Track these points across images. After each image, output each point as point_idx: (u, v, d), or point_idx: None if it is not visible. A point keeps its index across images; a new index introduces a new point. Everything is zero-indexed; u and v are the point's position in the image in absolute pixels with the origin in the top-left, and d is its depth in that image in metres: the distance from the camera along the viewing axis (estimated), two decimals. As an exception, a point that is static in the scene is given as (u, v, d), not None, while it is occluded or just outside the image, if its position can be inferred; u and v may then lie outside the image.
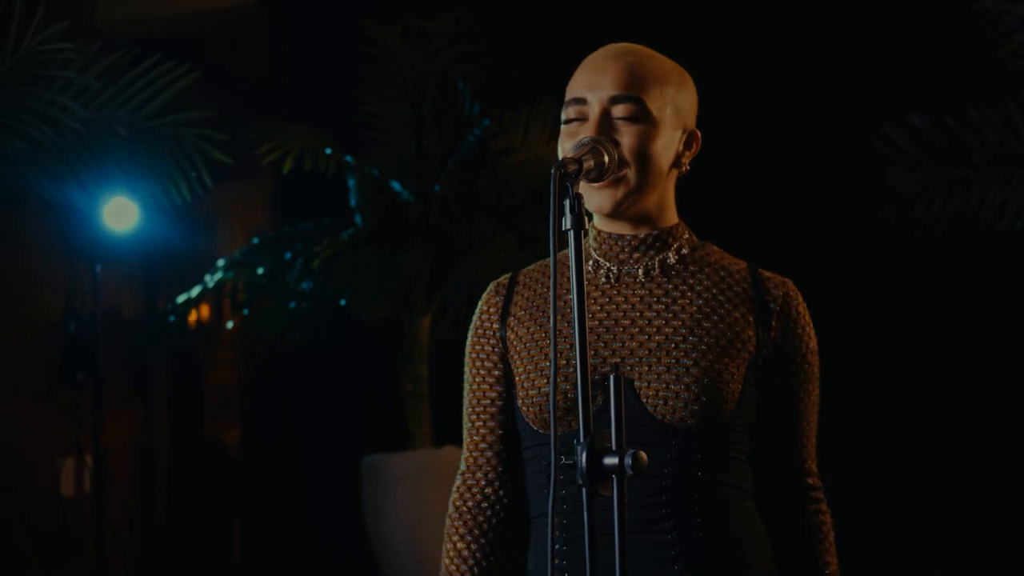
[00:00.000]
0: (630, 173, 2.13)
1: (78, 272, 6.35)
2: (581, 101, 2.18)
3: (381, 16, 6.19)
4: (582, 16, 6.29)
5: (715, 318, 2.15)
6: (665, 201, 2.23)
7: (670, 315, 2.16)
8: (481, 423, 2.32)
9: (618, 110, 2.14)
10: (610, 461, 1.81)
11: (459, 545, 2.30)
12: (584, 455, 1.80)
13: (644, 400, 2.11)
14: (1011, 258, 5.80)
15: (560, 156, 2.17)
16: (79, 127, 3.74)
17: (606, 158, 2.09)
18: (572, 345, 1.87)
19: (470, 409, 2.34)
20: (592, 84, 2.17)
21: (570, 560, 2.12)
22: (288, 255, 6.43)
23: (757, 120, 5.91)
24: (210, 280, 6.46)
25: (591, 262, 2.24)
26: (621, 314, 2.18)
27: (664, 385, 2.10)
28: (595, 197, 2.14)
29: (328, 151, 6.08)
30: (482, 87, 6.27)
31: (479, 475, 2.33)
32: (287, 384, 7.15)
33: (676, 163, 2.21)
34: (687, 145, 2.23)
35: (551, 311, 1.88)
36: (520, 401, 2.23)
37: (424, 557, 6.16)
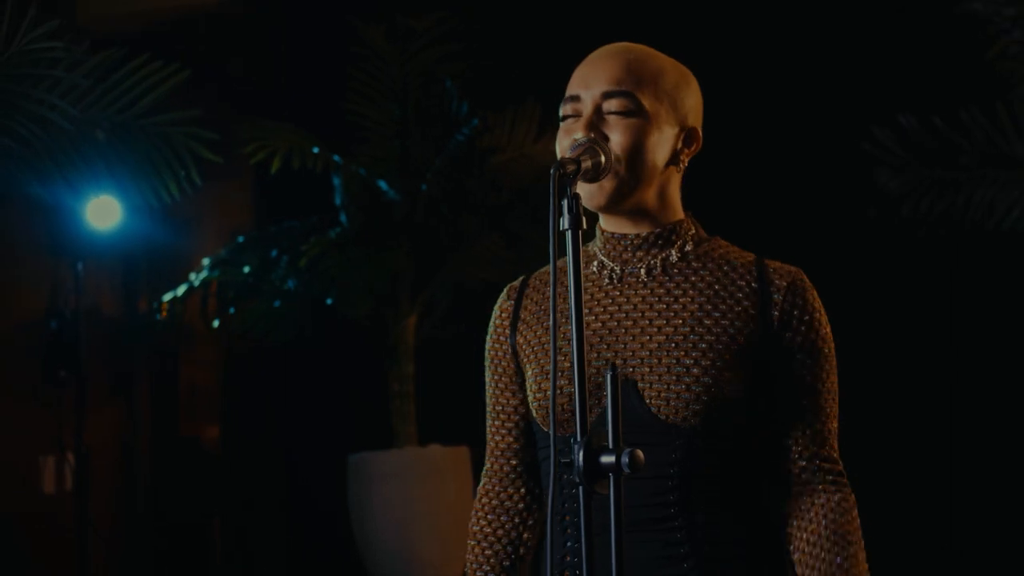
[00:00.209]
0: (620, 167, 2.13)
1: (60, 270, 6.33)
2: (575, 98, 2.19)
3: (368, 15, 6.19)
4: (568, 16, 6.30)
5: (716, 315, 2.14)
6: (667, 197, 2.22)
7: (671, 314, 2.16)
8: (501, 428, 2.34)
9: (610, 105, 2.15)
10: (607, 460, 1.81)
11: (482, 547, 2.33)
12: (581, 454, 1.80)
13: (647, 401, 2.10)
14: (1000, 258, 5.82)
15: (558, 152, 2.18)
16: (68, 126, 3.73)
17: (603, 158, 2.09)
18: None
19: (490, 414, 2.36)
20: (586, 81, 2.18)
21: (578, 558, 2.13)
22: (274, 253, 6.43)
23: (746, 120, 5.91)
24: (196, 278, 6.45)
25: (596, 263, 2.25)
26: (623, 315, 2.18)
27: (666, 386, 2.10)
28: (588, 192, 2.14)
29: (315, 150, 6.07)
30: (470, 86, 6.28)
31: (500, 479, 2.35)
32: (272, 382, 7.14)
33: (674, 160, 2.20)
34: (686, 143, 2.22)
35: (551, 312, 1.88)
36: (530, 403, 2.25)
37: (410, 555, 6.16)
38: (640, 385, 2.12)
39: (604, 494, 1.82)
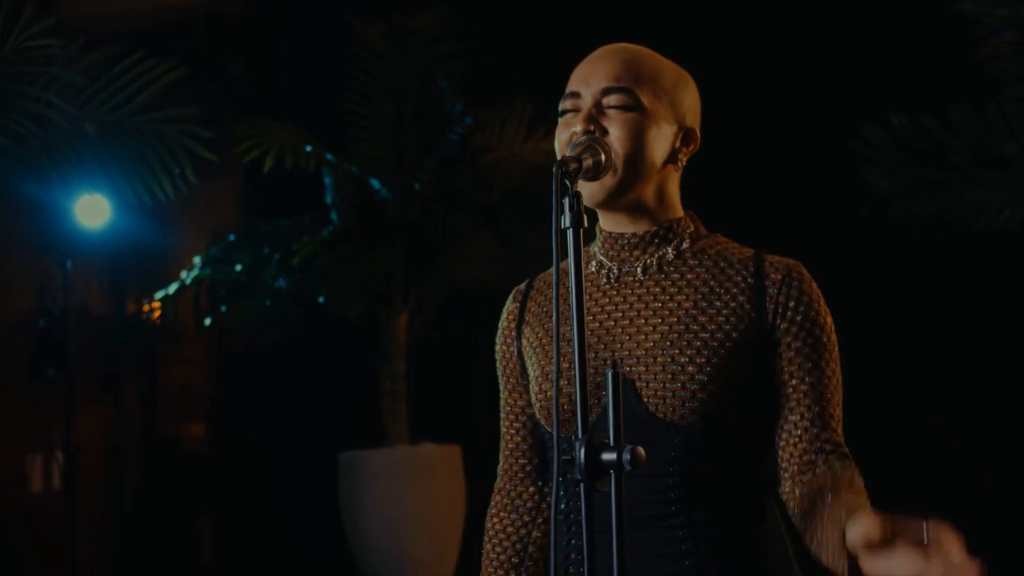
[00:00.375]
0: (618, 161, 2.14)
1: (49, 268, 6.32)
2: (575, 95, 2.20)
3: (365, 14, 6.19)
4: (559, 16, 6.31)
5: (711, 311, 2.14)
6: (666, 195, 2.23)
7: (666, 312, 2.16)
8: (511, 427, 2.37)
9: (610, 100, 2.16)
10: (608, 457, 1.82)
11: (493, 543, 2.35)
12: (582, 451, 1.81)
13: (645, 400, 2.11)
14: (992, 257, 5.84)
15: (556, 147, 2.20)
16: (64, 123, 3.73)
17: (603, 156, 2.10)
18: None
19: (503, 416, 2.38)
20: (586, 78, 2.20)
21: (579, 555, 2.13)
22: (266, 250, 6.42)
23: (738, 120, 5.92)
24: (187, 276, 6.44)
25: (594, 263, 2.25)
26: (620, 314, 2.19)
27: (662, 384, 2.11)
28: (587, 187, 2.14)
29: (308, 148, 6.07)
30: (463, 85, 6.29)
31: (511, 477, 2.37)
32: (263, 381, 7.14)
33: (672, 159, 2.21)
34: (684, 142, 2.23)
35: (554, 311, 1.88)
36: (534, 406, 2.26)
37: (402, 554, 6.16)
38: (638, 384, 2.12)
39: (605, 491, 1.82)
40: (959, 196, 5.71)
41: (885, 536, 1.78)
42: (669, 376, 2.10)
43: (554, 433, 1.88)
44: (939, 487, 6.00)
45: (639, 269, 2.21)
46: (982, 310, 5.95)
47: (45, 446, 6.26)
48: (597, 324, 2.19)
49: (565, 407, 2.13)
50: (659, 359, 2.12)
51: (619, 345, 2.16)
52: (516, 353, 2.32)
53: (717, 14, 6.18)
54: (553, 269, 1.89)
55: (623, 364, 2.14)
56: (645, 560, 2.07)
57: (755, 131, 6.01)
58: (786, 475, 2.13)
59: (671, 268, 2.20)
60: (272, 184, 6.45)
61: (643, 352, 2.14)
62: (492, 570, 2.34)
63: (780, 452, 2.14)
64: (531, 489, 2.35)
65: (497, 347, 2.37)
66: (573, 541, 2.16)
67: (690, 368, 2.10)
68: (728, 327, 2.13)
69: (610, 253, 2.23)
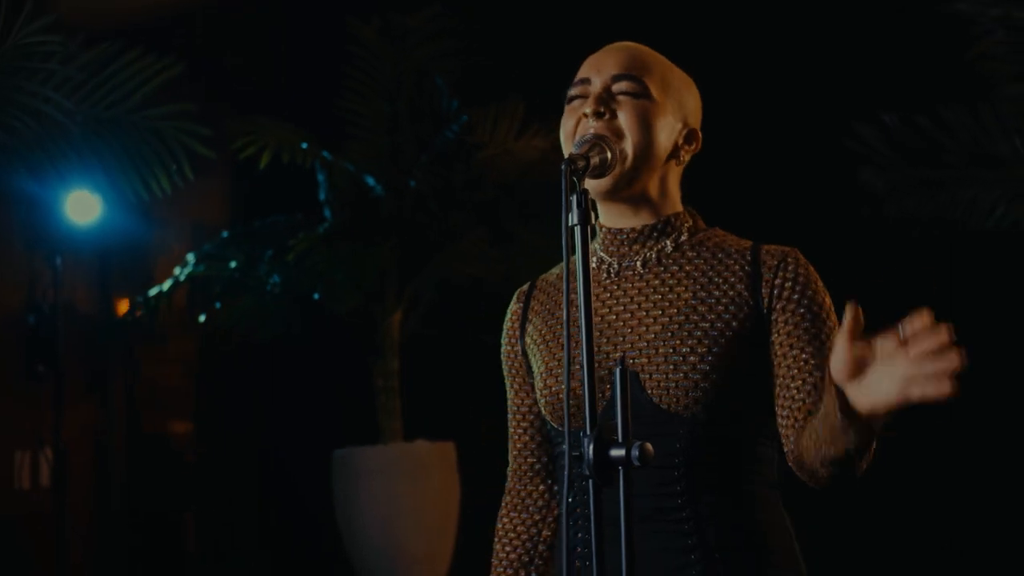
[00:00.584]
0: (627, 146, 2.16)
1: (38, 264, 6.30)
2: (585, 81, 2.23)
3: (362, 12, 6.19)
4: (551, 14, 6.32)
5: (711, 301, 2.16)
6: (667, 190, 2.25)
7: (666, 304, 2.18)
8: (518, 427, 2.37)
9: (620, 86, 2.19)
10: (616, 453, 1.82)
11: (503, 543, 2.35)
12: (591, 447, 1.81)
13: (649, 391, 2.12)
14: (987, 257, 5.85)
15: (562, 135, 2.23)
16: (63, 118, 3.73)
17: (609, 154, 2.12)
18: (578, 342, 1.88)
19: (510, 417, 2.39)
20: (597, 66, 2.24)
21: (590, 549, 2.14)
22: (265, 249, 6.42)
23: (731, 119, 5.93)
24: (181, 273, 6.44)
25: (595, 259, 2.26)
26: (621, 308, 2.20)
27: (665, 375, 2.12)
28: (593, 183, 2.16)
29: (304, 145, 6.07)
30: (459, 83, 6.30)
31: (520, 476, 2.37)
32: (257, 378, 7.13)
33: (675, 154, 2.24)
34: (687, 140, 2.26)
35: (564, 306, 1.89)
36: (539, 402, 2.28)
37: (396, 550, 6.17)
38: (641, 376, 2.13)
39: (614, 487, 1.83)
40: (952, 195, 5.73)
41: (863, 354, 1.72)
42: (672, 367, 2.12)
43: (565, 428, 1.89)
44: (938, 487, 6.02)
45: (638, 263, 2.23)
46: (977, 309, 5.96)
47: (34, 443, 6.24)
48: (599, 319, 2.21)
49: (570, 402, 2.15)
50: (661, 350, 2.13)
51: (621, 338, 2.17)
52: (521, 352, 2.34)
53: (713, 14, 6.19)
54: (563, 265, 1.90)
55: (626, 357, 2.15)
56: (652, 554, 2.08)
57: (749, 130, 6.02)
58: (790, 438, 2.10)
59: (670, 261, 2.22)
60: (260, 181, 6.45)
61: (645, 344, 2.15)
62: (502, 569, 2.34)
63: (781, 420, 2.12)
64: (541, 488, 2.35)
65: (503, 348, 2.39)
66: (580, 535, 2.17)
67: (692, 358, 2.11)
68: (728, 316, 2.15)
69: (610, 248, 2.25)
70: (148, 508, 6.92)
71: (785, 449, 2.13)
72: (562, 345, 2.19)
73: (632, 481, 1.81)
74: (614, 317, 2.20)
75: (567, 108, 2.24)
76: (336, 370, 6.82)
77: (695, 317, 2.15)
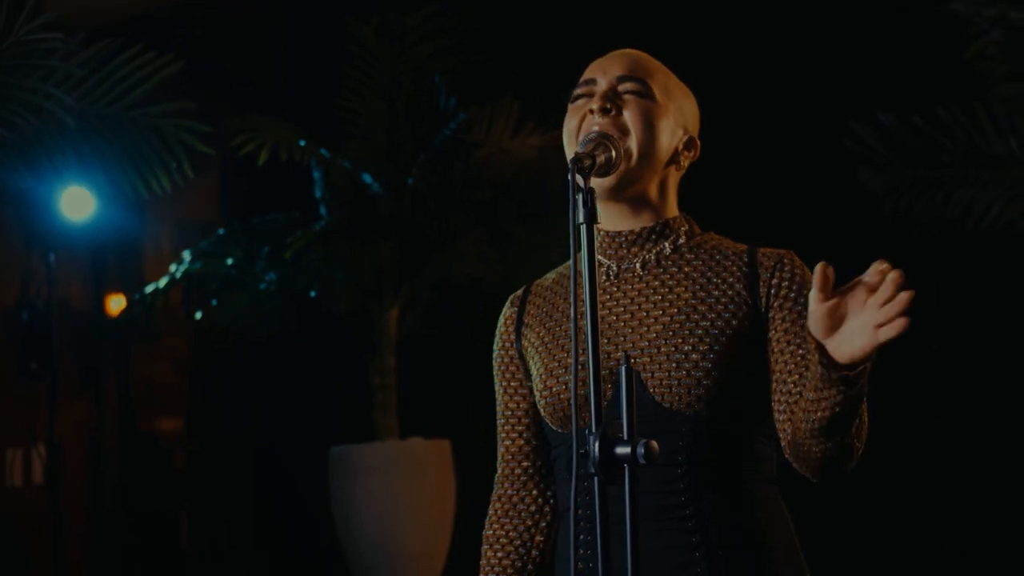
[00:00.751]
0: (631, 143, 2.20)
1: (32, 261, 6.29)
2: (591, 82, 2.28)
3: (360, 10, 6.19)
4: (547, 14, 6.33)
5: (711, 301, 2.19)
6: (666, 193, 2.29)
7: (667, 304, 2.21)
8: (512, 431, 2.37)
9: (625, 86, 2.25)
10: (622, 451, 1.83)
11: (495, 549, 2.34)
12: (596, 445, 1.82)
13: (651, 390, 2.14)
14: (979, 256, 5.86)
15: (565, 134, 2.27)
16: (63, 115, 3.73)
17: (613, 153, 2.15)
18: (582, 342, 1.90)
19: (501, 420, 2.39)
20: (602, 68, 2.29)
21: (592, 550, 2.14)
22: (262, 247, 6.42)
23: (728, 119, 5.93)
24: (177, 270, 6.44)
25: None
26: (621, 309, 2.23)
27: (667, 373, 2.14)
28: (597, 182, 2.17)
29: (302, 143, 6.07)
30: (457, 81, 6.30)
31: (513, 481, 2.37)
32: (253, 375, 7.13)
33: (675, 159, 2.28)
34: (687, 147, 2.30)
35: (571, 304, 1.90)
36: (538, 404, 2.28)
37: (393, 548, 6.17)
38: (643, 375, 2.15)
39: (619, 485, 1.84)
40: (949, 194, 5.75)
41: (837, 308, 1.84)
42: (674, 365, 2.14)
43: (572, 426, 1.90)
44: (938, 485, 6.03)
45: (638, 265, 2.26)
46: (976, 309, 5.97)
47: (28, 440, 6.24)
48: (599, 319, 2.22)
49: (570, 402, 2.16)
50: (663, 349, 2.16)
51: (622, 338, 2.20)
52: (517, 355, 2.35)
53: (710, 14, 6.19)
54: (571, 262, 1.91)
55: (629, 356, 2.16)
56: (656, 552, 2.10)
57: (747, 130, 6.03)
58: (787, 431, 2.12)
59: (669, 263, 2.25)
60: (254, 179, 6.45)
61: (647, 343, 2.17)
62: (495, 575, 2.32)
63: (778, 415, 2.15)
64: (534, 492, 2.35)
65: (495, 353, 2.40)
66: (583, 536, 2.17)
67: (694, 356, 2.14)
68: (727, 315, 2.18)
69: (608, 251, 2.28)
70: (143, 506, 6.91)
71: (782, 443, 2.16)
72: (562, 347, 2.24)
73: (637, 479, 1.82)
74: (614, 318, 2.22)
75: (571, 107, 2.28)
76: (333, 368, 6.83)
77: (696, 316, 2.18)
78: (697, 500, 2.12)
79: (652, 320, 2.19)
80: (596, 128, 2.19)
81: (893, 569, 6.01)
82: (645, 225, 2.26)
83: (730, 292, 2.20)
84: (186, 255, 6.49)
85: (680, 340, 2.15)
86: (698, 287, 2.21)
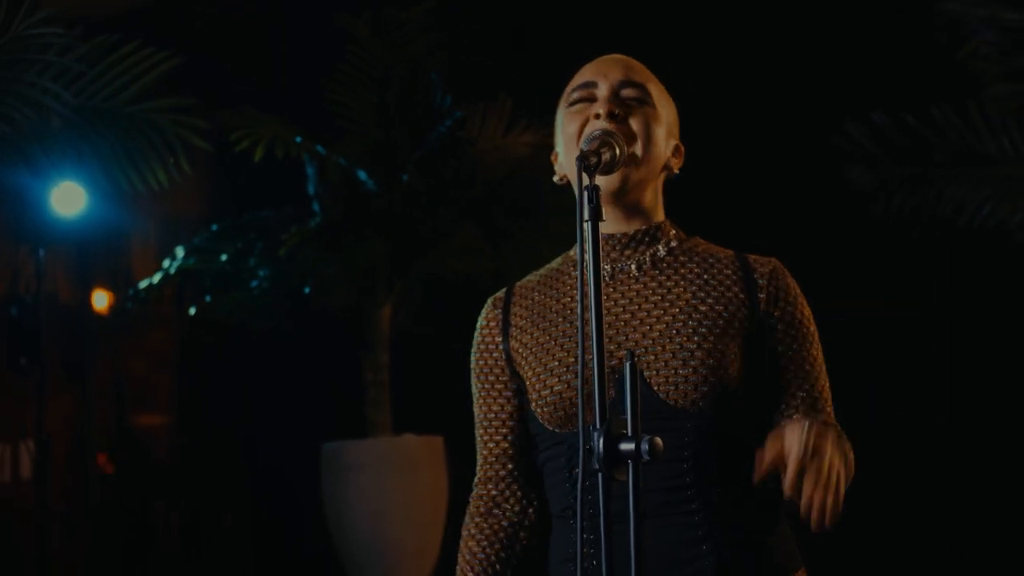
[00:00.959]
0: (638, 148, 2.22)
1: (21, 255, 6.28)
2: (590, 84, 2.28)
3: (352, 7, 6.19)
4: (541, 13, 6.34)
5: (710, 301, 2.21)
6: (657, 198, 2.32)
7: (667, 304, 2.22)
8: (493, 435, 2.36)
9: (628, 92, 2.26)
10: (626, 447, 1.84)
11: (474, 552, 2.33)
12: (601, 441, 1.83)
13: (655, 388, 2.15)
14: (974, 255, 5.88)
15: (565, 138, 2.27)
16: (61, 109, 3.73)
17: (617, 151, 2.16)
18: (586, 339, 1.90)
19: (481, 424, 2.37)
20: (602, 71, 2.29)
21: (596, 548, 2.15)
22: (249, 241, 6.42)
23: (721, 118, 5.95)
24: (171, 266, 6.43)
25: (585, 263, 2.29)
26: (620, 309, 2.24)
27: (672, 371, 2.16)
28: (604, 180, 2.19)
29: (298, 140, 6.07)
30: (450, 79, 6.31)
31: (496, 483, 2.36)
32: (246, 371, 7.13)
33: (667, 164, 2.31)
34: (675, 153, 2.33)
35: (579, 301, 1.91)
36: (533, 404, 2.27)
37: (385, 544, 6.18)
38: (647, 373, 2.16)
39: (623, 481, 1.84)
40: (940, 192, 5.77)
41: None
42: (680, 362, 2.15)
43: (579, 423, 1.90)
44: (938, 486, 6.04)
45: (633, 266, 2.27)
46: (973, 309, 5.98)
47: (16, 435, 6.23)
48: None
49: (573, 400, 2.17)
50: (668, 347, 2.17)
51: (624, 337, 2.20)
52: (503, 358, 2.33)
53: (704, 13, 6.20)
54: (577, 259, 1.92)
55: (634, 352, 2.17)
56: (662, 547, 2.11)
57: (739, 129, 6.04)
58: None
59: (664, 264, 2.27)
60: (245, 175, 6.44)
61: (650, 342, 2.18)
62: (481, 569, 2.30)
63: (778, 417, 2.21)
64: (518, 494, 2.34)
65: (476, 356, 2.37)
66: (586, 536, 2.17)
67: (698, 353, 2.15)
68: (728, 315, 2.20)
69: (602, 253, 2.27)
70: (131, 501, 6.91)
71: None
72: (562, 346, 2.23)
73: (641, 476, 1.83)
74: (614, 318, 2.23)
75: (570, 110, 2.28)
76: (326, 364, 6.83)
77: (697, 316, 2.19)
78: (703, 495, 2.14)
79: (654, 319, 2.20)
80: (599, 128, 2.20)
81: (893, 569, 6.03)
82: (638, 228, 2.27)
83: (728, 294, 2.22)
84: (179, 251, 6.48)
85: (684, 338, 2.17)
86: (696, 288, 2.23)
